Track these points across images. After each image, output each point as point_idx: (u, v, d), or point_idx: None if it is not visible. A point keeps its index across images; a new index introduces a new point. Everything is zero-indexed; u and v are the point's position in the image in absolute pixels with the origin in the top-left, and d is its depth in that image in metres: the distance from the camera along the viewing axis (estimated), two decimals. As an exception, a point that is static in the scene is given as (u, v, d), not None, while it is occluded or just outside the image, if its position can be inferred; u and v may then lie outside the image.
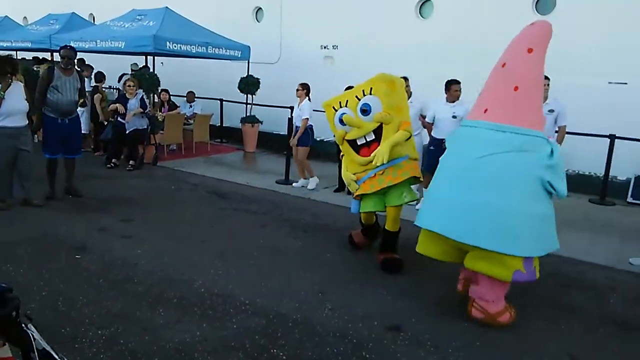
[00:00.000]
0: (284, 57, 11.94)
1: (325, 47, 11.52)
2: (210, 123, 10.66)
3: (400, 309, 3.81)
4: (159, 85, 9.66)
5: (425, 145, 6.77)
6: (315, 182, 7.69)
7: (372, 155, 4.36)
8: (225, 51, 10.21)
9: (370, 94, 4.33)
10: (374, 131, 4.43)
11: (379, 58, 10.04)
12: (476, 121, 3.64)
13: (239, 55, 10.53)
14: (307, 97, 7.49)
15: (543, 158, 3.36)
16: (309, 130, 7.44)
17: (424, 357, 3.18)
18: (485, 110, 3.60)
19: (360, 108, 4.36)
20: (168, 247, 4.94)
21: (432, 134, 6.59)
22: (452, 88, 6.34)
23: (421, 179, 4.75)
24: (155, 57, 9.96)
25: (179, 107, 10.48)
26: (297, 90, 7.52)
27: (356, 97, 4.42)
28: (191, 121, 10.29)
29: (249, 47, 10.69)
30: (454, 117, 6.30)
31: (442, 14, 9.82)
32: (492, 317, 3.54)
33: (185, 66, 12.43)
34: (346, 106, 4.49)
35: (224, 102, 11.91)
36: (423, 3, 10.21)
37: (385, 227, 4.69)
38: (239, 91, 10.86)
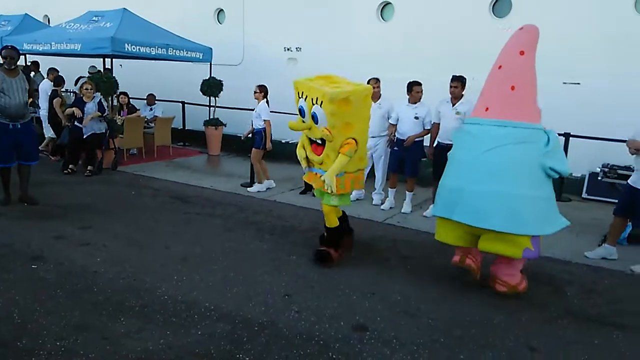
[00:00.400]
0: (247, 59, 11.85)
1: (288, 49, 11.50)
2: (173, 126, 10.47)
3: (367, 309, 3.84)
4: (118, 88, 9.41)
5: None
6: (264, 186, 7.57)
7: (320, 178, 4.48)
8: (186, 53, 10.05)
9: (320, 106, 4.28)
10: (321, 138, 4.47)
11: (342, 60, 10.12)
12: (480, 119, 4.10)
13: (201, 57, 10.39)
14: (265, 99, 7.44)
15: (541, 147, 3.85)
16: (262, 132, 7.38)
17: (390, 355, 3.21)
18: (487, 109, 4.08)
19: (311, 114, 4.37)
20: (129, 254, 4.82)
21: (396, 135, 6.67)
22: (414, 89, 6.43)
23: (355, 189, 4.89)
24: (114, 60, 9.72)
25: (138, 110, 10.25)
26: (255, 92, 7.47)
27: (312, 100, 4.36)
28: (152, 124, 10.08)
29: (210, 49, 10.56)
30: (416, 118, 6.40)
31: (402, 17, 9.96)
32: (514, 288, 4.10)
33: (145, 68, 12.18)
34: (304, 100, 4.43)
35: (186, 105, 11.72)
36: (384, 6, 10.33)
37: (325, 224, 4.84)
38: (201, 94, 10.71)
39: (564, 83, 8.28)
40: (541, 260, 4.94)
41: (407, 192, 6.67)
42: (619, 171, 5.34)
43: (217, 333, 3.39)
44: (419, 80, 6.53)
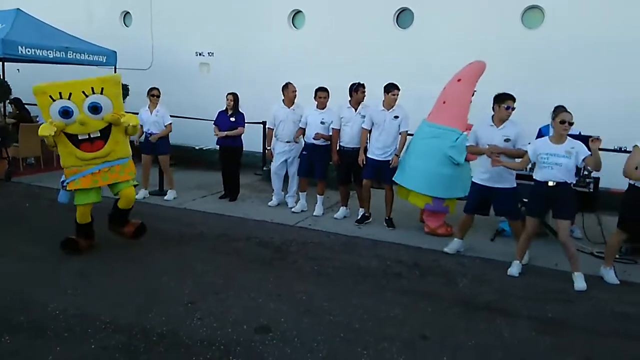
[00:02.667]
0: (157, 63, 11.50)
1: (200, 54, 11.33)
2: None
3: (270, 311, 3.87)
4: (10, 94, 8.74)
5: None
6: (173, 194, 7.41)
7: (109, 144, 4.58)
8: (88, 56, 9.53)
9: (102, 94, 4.42)
10: (101, 130, 4.54)
11: (255, 66, 10.16)
12: (425, 121, 6.06)
13: (104, 61, 9.90)
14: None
15: (450, 142, 5.68)
16: (168, 137, 7.24)
17: (290, 353, 3.27)
18: (429, 114, 6.11)
19: (90, 106, 4.37)
20: (20, 269, 4.52)
21: (304, 139, 6.79)
22: (319, 95, 6.59)
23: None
24: (7, 63, 9.04)
25: (36, 116, 9.58)
26: (153, 95, 7.30)
27: (83, 92, 4.37)
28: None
29: (115, 52, 10.11)
30: (322, 122, 6.55)
31: (312, 25, 10.18)
32: (433, 230, 5.96)
33: (45, 72, 11.40)
34: (69, 99, 4.38)
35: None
36: (295, 14, 10.50)
37: (119, 206, 4.99)
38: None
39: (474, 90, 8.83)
40: (436, 255, 5.28)
41: (317, 195, 6.80)
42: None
43: (112, 345, 3.27)
44: (326, 87, 6.70)
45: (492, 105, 5.03)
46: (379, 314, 3.87)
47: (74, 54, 9.27)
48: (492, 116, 5.05)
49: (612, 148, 6.24)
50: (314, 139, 6.57)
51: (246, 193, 7.71)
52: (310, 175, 6.81)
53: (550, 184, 4.52)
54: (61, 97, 4.36)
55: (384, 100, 6.06)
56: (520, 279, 4.74)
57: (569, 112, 4.66)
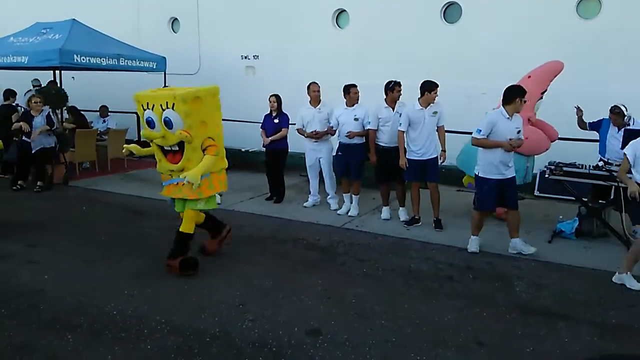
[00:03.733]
0: (203, 68, 11.74)
1: (246, 57, 11.47)
2: (127, 138, 10.23)
3: (321, 313, 3.85)
4: (67, 101, 9.15)
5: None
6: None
7: (182, 176, 4.34)
8: (139, 63, 9.88)
9: (173, 109, 4.30)
10: (178, 144, 4.45)
11: (300, 66, 10.18)
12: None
13: (154, 67, 10.23)
14: None
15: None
16: None
17: (342, 357, 3.23)
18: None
19: (164, 120, 4.35)
20: (78, 271, 4.69)
21: (339, 140, 6.74)
22: (352, 91, 6.55)
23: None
24: (64, 71, 9.46)
25: (91, 122, 9.99)
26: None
27: (160, 105, 4.36)
28: (105, 137, 9.83)
29: (164, 58, 10.41)
30: (356, 119, 6.49)
31: (357, 24, 10.10)
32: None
33: (98, 79, 11.90)
34: (152, 110, 4.41)
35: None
36: (339, 13, 10.46)
37: (179, 228, 4.72)
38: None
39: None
40: (490, 258, 5.10)
41: (352, 195, 6.73)
42: (565, 168, 5.54)
43: (168, 346, 3.33)
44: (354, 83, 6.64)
45: (508, 98, 4.98)
46: (431, 319, 3.77)
47: (126, 60, 9.62)
48: (506, 108, 5.00)
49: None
50: (347, 136, 6.50)
51: (292, 194, 7.74)
52: (347, 175, 6.75)
53: None
54: (148, 107, 4.45)
55: (420, 98, 5.92)
56: (580, 282, 4.51)
57: None
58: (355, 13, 10.14)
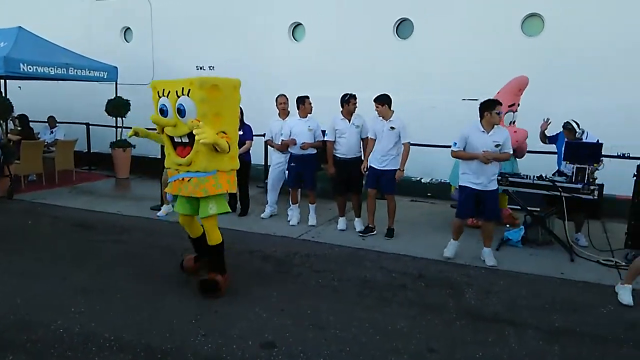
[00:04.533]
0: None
1: (201, 68, 11.37)
2: (77, 149, 9.89)
3: (275, 326, 3.83)
4: (12, 111, 8.77)
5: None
6: (166, 209, 7.19)
7: (191, 154, 4.16)
8: (89, 72, 9.58)
9: (188, 95, 4.09)
10: (188, 134, 4.18)
11: (256, 78, 10.15)
12: None
13: (105, 77, 9.96)
14: None
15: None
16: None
17: (296, 370, 3.22)
18: None
19: (177, 107, 4.14)
20: (22, 287, 4.48)
21: (290, 150, 6.77)
22: (306, 102, 6.68)
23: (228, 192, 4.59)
24: (10, 81, 9.08)
25: (38, 133, 9.60)
26: None
27: (176, 92, 4.15)
28: (52, 148, 9.47)
29: (116, 67, 10.16)
30: (310, 129, 6.59)
31: (313, 38, 10.24)
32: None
33: (46, 89, 11.49)
34: (167, 97, 4.19)
35: (91, 127, 11.11)
36: (295, 26, 10.56)
37: (207, 242, 4.49)
38: (107, 114, 10.25)
39: (463, 99, 8.87)
40: (442, 266, 5.23)
41: (309, 204, 6.78)
42: (510, 179, 5.78)
43: (116, 364, 3.23)
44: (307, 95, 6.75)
45: (480, 112, 5.19)
46: (385, 327, 3.82)
47: (75, 70, 9.32)
48: (481, 122, 5.18)
49: (616, 154, 6.22)
50: (302, 148, 6.57)
51: (249, 206, 7.68)
52: (300, 186, 6.80)
53: None
54: (164, 95, 4.21)
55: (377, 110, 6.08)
56: (527, 288, 4.69)
57: None
58: (311, 27, 10.29)
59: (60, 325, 3.75)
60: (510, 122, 6.39)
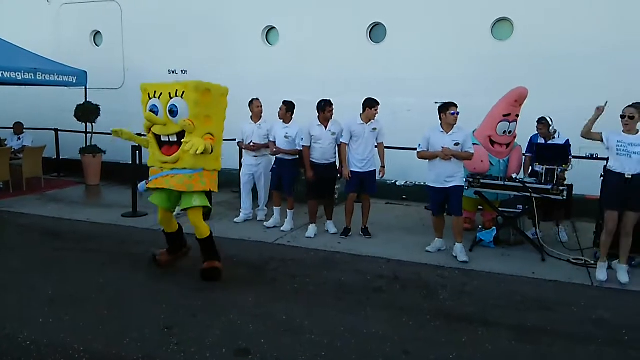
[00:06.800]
0: (128, 83, 11.36)
1: (173, 72, 11.23)
2: (45, 156, 9.62)
3: (250, 332, 3.79)
4: (-24, 117, 8.49)
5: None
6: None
7: (178, 152, 4.45)
8: (58, 77, 9.32)
9: (182, 97, 4.43)
10: (177, 134, 4.51)
11: (230, 81, 10.04)
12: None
13: (74, 81, 9.70)
14: None
15: None
16: None
17: (271, 376, 3.19)
18: None
19: (169, 108, 4.46)
20: (-14, 299, 4.32)
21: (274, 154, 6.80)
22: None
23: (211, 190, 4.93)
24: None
25: (4, 140, 9.32)
26: None
27: (169, 94, 4.47)
28: (20, 155, 9.20)
29: (85, 72, 9.92)
30: (286, 137, 6.60)
31: (286, 41, 10.23)
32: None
33: (13, 95, 11.17)
34: (158, 99, 4.51)
35: (60, 133, 10.82)
36: (269, 30, 10.53)
37: (196, 237, 4.81)
38: (76, 120, 10.02)
39: (436, 102, 8.98)
40: (417, 268, 5.27)
41: (287, 210, 6.76)
42: (482, 180, 5.87)
43: (85, 376, 3.14)
44: (292, 101, 6.74)
45: (439, 115, 5.55)
46: (360, 331, 3.82)
47: (43, 75, 9.05)
48: (441, 124, 5.54)
49: (585, 155, 6.38)
50: (270, 154, 6.73)
51: (223, 211, 7.61)
52: (280, 189, 6.80)
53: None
54: (154, 96, 4.50)
55: (362, 114, 6.13)
56: (499, 288, 4.76)
57: (631, 107, 4.77)
58: (285, 30, 10.28)
59: (27, 337, 3.63)
60: (504, 131, 6.22)
